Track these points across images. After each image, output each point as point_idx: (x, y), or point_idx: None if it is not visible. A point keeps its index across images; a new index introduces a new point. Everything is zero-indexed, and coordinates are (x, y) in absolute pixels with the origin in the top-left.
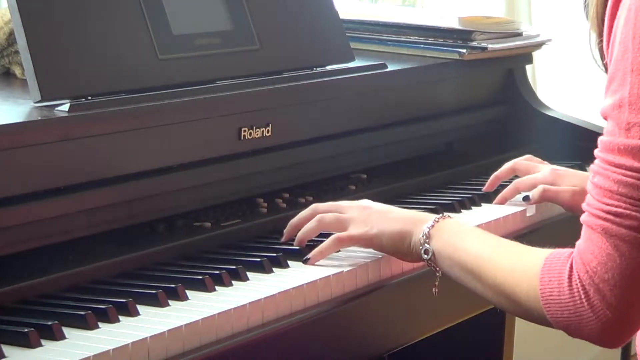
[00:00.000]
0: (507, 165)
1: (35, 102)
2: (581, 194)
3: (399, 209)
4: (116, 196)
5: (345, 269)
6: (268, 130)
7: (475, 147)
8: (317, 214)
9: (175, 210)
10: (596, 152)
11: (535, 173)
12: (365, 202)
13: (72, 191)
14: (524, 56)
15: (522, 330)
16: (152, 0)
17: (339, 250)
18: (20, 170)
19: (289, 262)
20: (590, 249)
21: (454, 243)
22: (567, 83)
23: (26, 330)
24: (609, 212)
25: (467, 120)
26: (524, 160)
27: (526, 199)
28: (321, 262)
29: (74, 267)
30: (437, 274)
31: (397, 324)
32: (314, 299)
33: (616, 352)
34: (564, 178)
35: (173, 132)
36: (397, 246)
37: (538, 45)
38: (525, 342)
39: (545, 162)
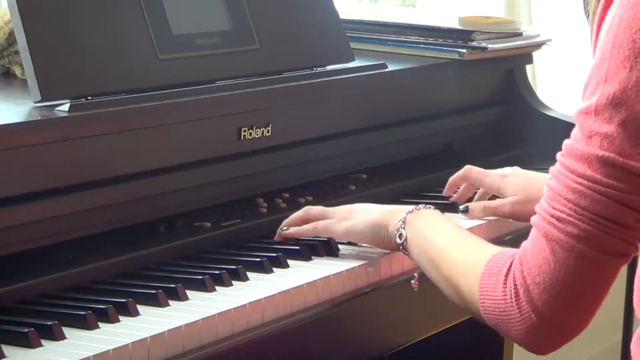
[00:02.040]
0: (460, 171)
1: (35, 102)
2: (521, 203)
3: (384, 205)
4: (116, 196)
5: (345, 269)
6: (268, 130)
7: (475, 147)
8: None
9: (175, 210)
10: (558, 154)
11: (485, 180)
12: (354, 204)
13: (72, 191)
14: (524, 56)
15: None
16: (152, 0)
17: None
18: (20, 170)
19: (289, 262)
20: (531, 250)
21: (425, 232)
22: (567, 83)
23: (26, 330)
24: (552, 216)
25: (467, 120)
26: (477, 168)
27: (465, 210)
28: (321, 262)
29: (74, 267)
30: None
31: (397, 324)
32: (314, 299)
33: (616, 352)
34: (508, 186)
35: (173, 132)
36: (374, 233)
37: (538, 45)
38: None
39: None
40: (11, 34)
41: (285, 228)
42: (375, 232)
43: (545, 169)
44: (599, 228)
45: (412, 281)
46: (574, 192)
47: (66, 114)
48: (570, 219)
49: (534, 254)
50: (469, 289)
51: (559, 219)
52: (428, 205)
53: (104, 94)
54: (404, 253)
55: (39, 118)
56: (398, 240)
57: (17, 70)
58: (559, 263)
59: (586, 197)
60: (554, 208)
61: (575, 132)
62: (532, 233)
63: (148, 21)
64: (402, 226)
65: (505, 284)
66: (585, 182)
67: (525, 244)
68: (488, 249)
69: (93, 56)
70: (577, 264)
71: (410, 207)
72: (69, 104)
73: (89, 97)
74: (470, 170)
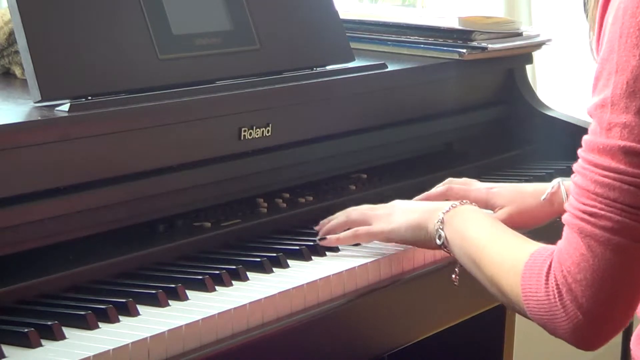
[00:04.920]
0: (440, 187)
1: (35, 102)
2: (518, 213)
3: (424, 202)
4: (116, 196)
5: (345, 269)
6: (268, 130)
7: (475, 147)
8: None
9: (175, 210)
10: (579, 151)
11: (470, 195)
12: (393, 202)
13: (72, 191)
14: (524, 56)
15: (522, 330)
16: (152, 0)
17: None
18: (20, 170)
19: (289, 262)
20: (567, 248)
21: (463, 230)
22: (567, 83)
23: (26, 330)
24: (584, 212)
25: (467, 120)
26: (458, 184)
27: None
28: (321, 262)
29: (74, 267)
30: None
31: (397, 324)
32: (314, 299)
33: (617, 351)
34: (498, 197)
35: (173, 132)
36: (415, 235)
37: (538, 45)
38: (525, 342)
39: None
40: (11, 34)
41: (324, 237)
42: (416, 234)
43: (545, 169)
44: (632, 218)
45: (453, 276)
46: (602, 186)
47: (66, 114)
48: (603, 212)
49: (571, 252)
50: (512, 289)
51: (591, 214)
52: (464, 202)
53: (104, 94)
54: (447, 252)
55: (39, 118)
56: (438, 241)
57: (17, 70)
58: (597, 258)
59: (614, 188)
60: (584, 204)
61: (592, 127)
62: (566, 232)
63: (148, 21)
64: (441, 227)
65: (547, 284)
66: (611, 174)
67: (560, 243)
68: (526, 247)
69: (93, 56)
70: (616, 257)
71: (447, 206)
72: (69, 104)
73: (89, 97)
74: (451, 189)
